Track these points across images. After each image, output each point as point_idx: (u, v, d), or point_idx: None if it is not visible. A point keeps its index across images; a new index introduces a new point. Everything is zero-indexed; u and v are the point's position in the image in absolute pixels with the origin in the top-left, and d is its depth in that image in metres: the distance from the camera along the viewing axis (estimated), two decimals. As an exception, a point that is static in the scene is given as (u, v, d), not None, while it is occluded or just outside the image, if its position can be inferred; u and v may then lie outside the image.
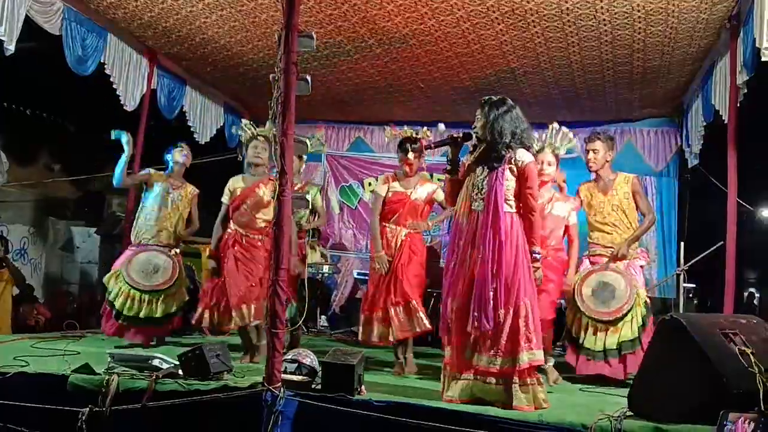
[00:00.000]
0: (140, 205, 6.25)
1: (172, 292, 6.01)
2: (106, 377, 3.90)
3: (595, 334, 5.13)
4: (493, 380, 3.87)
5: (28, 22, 5.54)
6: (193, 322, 5.65)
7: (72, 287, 9.93)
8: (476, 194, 4.02)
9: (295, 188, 5.97)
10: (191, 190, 6.34)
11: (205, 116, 8.47)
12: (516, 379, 3.81)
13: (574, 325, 5.28)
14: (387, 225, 5.40)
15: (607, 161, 5.41)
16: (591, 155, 5.40)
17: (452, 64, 7.02)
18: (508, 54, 6.64)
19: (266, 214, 5.49)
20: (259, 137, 5.70)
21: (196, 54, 7.26)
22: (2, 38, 5.24)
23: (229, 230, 5.59)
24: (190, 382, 3.88)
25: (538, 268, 4.04)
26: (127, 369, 4.09)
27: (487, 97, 4.19)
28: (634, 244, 5.38)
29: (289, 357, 4.06)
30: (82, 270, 10.18)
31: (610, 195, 5.39)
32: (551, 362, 5.06)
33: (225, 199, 5.67)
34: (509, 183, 3.99)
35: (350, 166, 9.57)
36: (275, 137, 3.98)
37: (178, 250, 6.25)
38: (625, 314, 5.08)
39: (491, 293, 3.83)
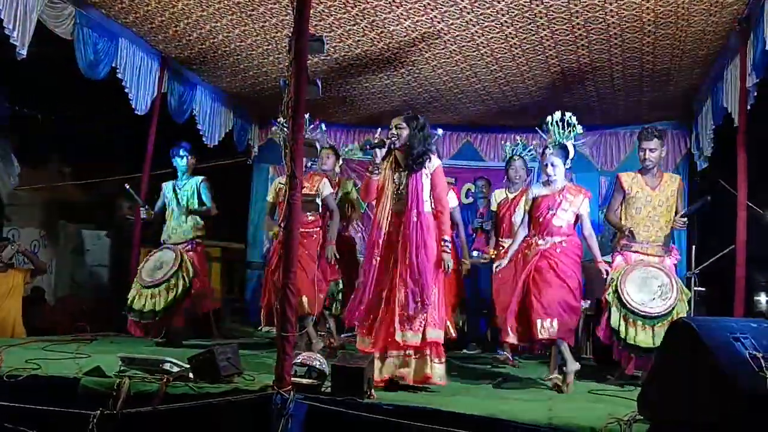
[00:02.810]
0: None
1: (171, 285, 6.22)
2: (118, 380, 3.92)
3: (644, 330, 4.99)
4: (412, 353, 4.41)
5: (40, 26, 5.56)
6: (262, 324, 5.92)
7: (82, 290, 9.97)
8: (397, 196, 4.62)
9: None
10: (194, 181, 6.76)
11: (214, 120, 8.49)
12: (428, 351, 4.41)
13: (620, 324, 5.07)
14: None
15: (661, 157, 5.38)
16: (648, 154, 5.29)
17: (461, 68, 7.03)
18: (517, 57, 6.64)
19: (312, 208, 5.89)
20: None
21: (207, 58, 7.30)
22: (14, 43, 5.27)
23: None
24: (201, 385, 3.91)
25: (449, 254, 4.61)
26: (138, 372, 4.11)
27: (407, 114, 4.80)
28: (667, 239, 5.35)
29: (299, 360, 4.08)
30: (93, 273, 10.22)
31: (659, 191, 5.31)
32: (576, 366, 4.88)
33: (270, 197, 6.19)
34: (426, 185, 4.62)
35: (358, 169, 9.58)
36: (285, 140, 4.01)
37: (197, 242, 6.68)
38: (671, 310, 4.98)
39: (419, 281, 4.42)
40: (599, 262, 5.12)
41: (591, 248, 5.18)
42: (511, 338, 4.96)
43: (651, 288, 5.08)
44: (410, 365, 4.41)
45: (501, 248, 6.33)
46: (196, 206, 6.69)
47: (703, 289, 8.20)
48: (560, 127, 5.17)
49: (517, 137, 7.45)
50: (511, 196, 6.52)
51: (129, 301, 6.26)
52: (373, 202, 4.84)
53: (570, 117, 5.15)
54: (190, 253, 6.56)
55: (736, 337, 3.46)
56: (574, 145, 5.21)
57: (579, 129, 5.18)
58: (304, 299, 5.61)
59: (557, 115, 5.19)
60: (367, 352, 4.41)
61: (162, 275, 6.24)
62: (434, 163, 4.69)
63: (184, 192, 6.73)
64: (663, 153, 5.38)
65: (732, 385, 3.21)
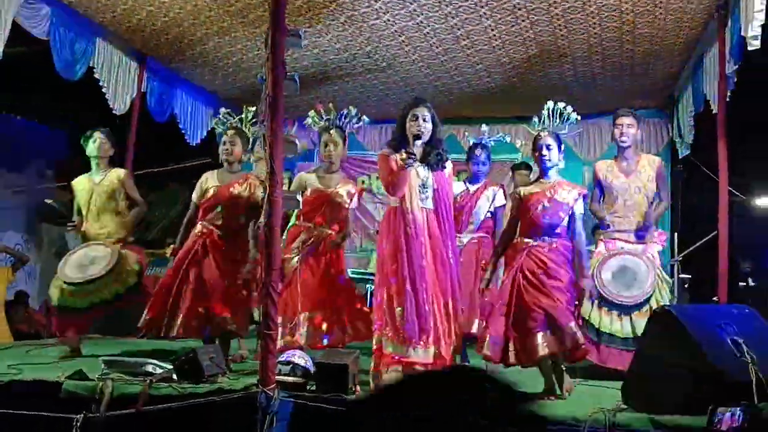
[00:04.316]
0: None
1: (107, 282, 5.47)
2: (100, 383, 3.89)
3: (620, 319, 4.86)
4: None
5: (15, 26, 5.50)
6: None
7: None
8: (424, 192, 4.26)
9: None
10: (117, 174, 5.77)
11: (196, 118, 8.44)
12: None
13: (592, 312, 4.90)
14: None
15: (636, 140, 5.23)
16: (625, 129, 5.12)
17: (441, 60, 7.02)
18: (497, 48, 6.64)
19: (242, 217, 5.01)
20: (228, 132, 5.08)
21: (186, 56, 7.24)
22: (-11, 44, 5.22)
23: (198, 229, 5.01)
24: (184, 386, 3.88)
25: None
26: (120, 374, 4.08)
27: (423, 98, 4.42)
28: (652, 228, 5.15)
29: (283, 358, 4.06)
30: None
31: (634, 177, 5.16)
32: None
33: (195, 196, 5.13)
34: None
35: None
36: (256, 132, 3.94)
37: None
38: (648, 298, 4.88)
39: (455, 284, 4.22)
40: (584, 276, 4.40)
41: (579, 255, 4.39)
42: (493, 354, 4.15)
43: (627, 276, 4.96)
44: None
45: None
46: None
47: (689, 276, 8.24)
48: (555, 116, 4.70)
49: (503, 129, 7.29)
50: (472, 188, 5.82)
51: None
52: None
53: (564, 106, 4.69)
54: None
55: (718, 324, 3.48)
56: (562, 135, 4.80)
57: (574, 116, 4.67)
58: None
59: (550, 104, 4.70)
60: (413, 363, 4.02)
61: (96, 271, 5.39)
62: (449, 165, 4.42)
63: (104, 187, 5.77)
64: (638, 135, 5.26)
65: (715, 370, 3.23)
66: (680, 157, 8.14)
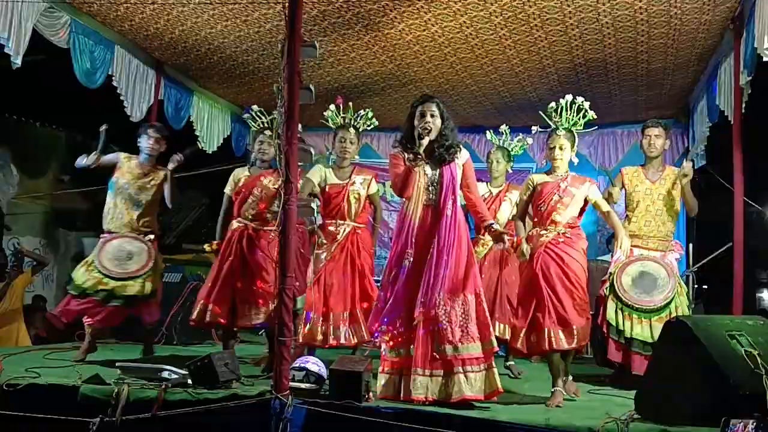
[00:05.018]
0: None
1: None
2: (117, 388, 3.94)
3: (640, 323, 4.98)
4: (477, 367, 3.97)
5: (35, 33, 5.58)
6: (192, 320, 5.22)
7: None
8: (431, 190, 4.21)
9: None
10: (161, 174, 5.83)
11: (212, 125, 8.50)
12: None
13: (616, 317, 5.05)
14: None
15: (664, 149, 5.38)
16: (653, 140, 5.30)
17: (456, 69, 7.04)
18: (512, 58, 6.66)
19: (275, 206, 5.03)
20: (265, 132, 5.42)
21: (203, 64, 7.32)
22: (9, 52, 5.30)
23: (235, 224, 5.31)
24: (199, 391, 3.91)
25: (505, 234, 4.37)
26: (136, 379, 4.13)
27: (431, 95, 4.45)
28: (670, 233, 5.33)
29: (297, 365, 4.09)
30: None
31: (659, 184, 5.31)
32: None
33: (228, 189, 5.45)
34: (459, 177, 4.27)
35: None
36: (279, 136, 4.00)
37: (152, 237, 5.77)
38: (668, 303, 4.99)
39: (462, 281, 4.07)
40: (619, 239, 4.71)
41: (614, 225, 4.80)
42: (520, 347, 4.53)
43: (647, 281, 5.08)
44: (471, 380, 3.93)
45: (480, 243, 5.77)
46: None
47: (705, 286, 8.19)
48: (571, 111, 4.72)
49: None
50: (494, 191, 5.97)
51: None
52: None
53: (582, 102, 4.70)
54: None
55: (732, 335, 3.48)
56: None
57: (591, 114, 4.72)
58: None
59: (569, 98, 4.74)
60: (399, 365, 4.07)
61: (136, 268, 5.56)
62: (465, 153, 4.32)
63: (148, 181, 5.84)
64: (666, 145, 5.39)
65: (728, 382, 3.22)
66: (696, 168, 8.11)
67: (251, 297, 5.12)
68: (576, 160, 4.77)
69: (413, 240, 4.17)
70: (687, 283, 6.98)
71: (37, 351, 5.80)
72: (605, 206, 4.78)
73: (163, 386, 3.93)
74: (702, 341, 3.41)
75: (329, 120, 5.52)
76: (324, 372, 4.12)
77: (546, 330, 4.36)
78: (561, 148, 4.66)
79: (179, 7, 5.93)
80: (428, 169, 4.24)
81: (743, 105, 5.48)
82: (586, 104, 4.70)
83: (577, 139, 4.78)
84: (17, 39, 5.36)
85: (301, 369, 4.08)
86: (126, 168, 5.76)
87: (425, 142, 4.19)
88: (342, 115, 5.49)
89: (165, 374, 4.12)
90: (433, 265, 4.07)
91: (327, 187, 5.38)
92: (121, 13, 6.15)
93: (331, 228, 5.35)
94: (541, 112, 4.93)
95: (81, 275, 5.49)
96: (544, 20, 5.82)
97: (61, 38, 5.89)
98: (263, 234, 5.26)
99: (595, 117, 4.77)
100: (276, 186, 5.11)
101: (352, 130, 5.41)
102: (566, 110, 4.71)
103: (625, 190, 5.42)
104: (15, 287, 7.20)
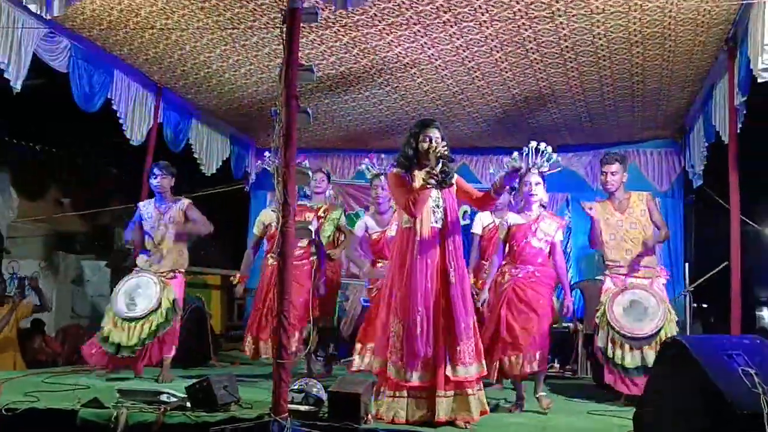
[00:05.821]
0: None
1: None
2: (116, 411, 3.93)
3: (631, 351, 5.14)
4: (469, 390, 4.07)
5: (35, 58, 5.64)
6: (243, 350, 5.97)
7: (83, 321, 9.97)
8: (437, 211, 4.24)
9: (322, 210, 6.43)
10: (180, 204, 6.05)
11: (211, 148, 8.55)
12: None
13: (608, 346, 5.23)
14: None
15: (622, 182, 5.49)
16: (609, 177, 5.46)
17: (453, 92, 7.10)
18: (508, 81, 6.71)
19: (303, 242, 5.90)
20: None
21: (201, 87, 7.38)
22: (8, 77, 5.34)
23: (270, 260, 5.93)
24: (198, 414, 3.91)
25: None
26: (135, 402, 4.12)
27: (432, 119, 4.59)
28: (653, 260, 5.46)
29: (296, 387, 4.09)
30: (93, 303, 10.22)
31: (627, 213, 5.48)
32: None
33: (256, 230, 6.31)
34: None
35: (356, 194, 9.61)
36: (277, 168, 4.03)
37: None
38: (659, 331, 5.12)
39: (467, 305, 4.16)
40: (567, 297, 5.06)
41: (560, 278, 5.10)
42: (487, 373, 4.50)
43: (638, 310, 5.23)
44: (469, 402, 4.04)
45: (484, 273, 5.95)
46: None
47: (704, 305, 8.19)
48: (537, 156, 4.99)
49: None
50: (497, 220, 5.95)
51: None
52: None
53: (545, 147, 4.95)
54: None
55: (729, 354, 3.48)
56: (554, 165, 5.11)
57: (554, 156, 4.99)
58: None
59: (533, 144, 4.98)
60: (414, 387, 4.06)
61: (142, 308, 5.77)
62: (455, 177, 4.38)
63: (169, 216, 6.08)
64: (624, 177, 5.50)
65: (726, 402, 3.22)
66: (694, 188, 8.15)
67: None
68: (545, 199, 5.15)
69: (417, 263, 4.12)
70: (684, 303, 7.01)
71: (36, 375, 5.78)
72: (559, 256, 5.08)
73: (162, 409, 3.93)
74: (699, 361, 3.41)
75: (366, 172, 6.10)
76: (323, 394, 4.11)
77: (506, 358, 4.76)
78: (537, 183, 4.97)
79: (178, 31, 6.00)
80: (434, 192, 4.22)
81: (738, 125, 5.52)
82: (549, 148, 4.98)
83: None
84: (17, 64, 5.43)
85: (300, 391, 4.08)
86: (146, 214, 6.07)
87: (439, 164, 4.14)
88: (378, 166, 6.06)
89: (164, 397, 4.12)
90: (452, 316, 4.11)
91: (371, 233, 5.89)
92: (120, 38, 6.21)
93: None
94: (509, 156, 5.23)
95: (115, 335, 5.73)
96: (540, 43, 5.87)
97: (60, 63, 5.95)
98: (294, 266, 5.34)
99: (559, 158, 5.08)
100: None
101: (383, 178, 5.80)
102: (531, 155, 4.99)
103: (599, 225, 5.51)
104: (15, 314, 7.21)
